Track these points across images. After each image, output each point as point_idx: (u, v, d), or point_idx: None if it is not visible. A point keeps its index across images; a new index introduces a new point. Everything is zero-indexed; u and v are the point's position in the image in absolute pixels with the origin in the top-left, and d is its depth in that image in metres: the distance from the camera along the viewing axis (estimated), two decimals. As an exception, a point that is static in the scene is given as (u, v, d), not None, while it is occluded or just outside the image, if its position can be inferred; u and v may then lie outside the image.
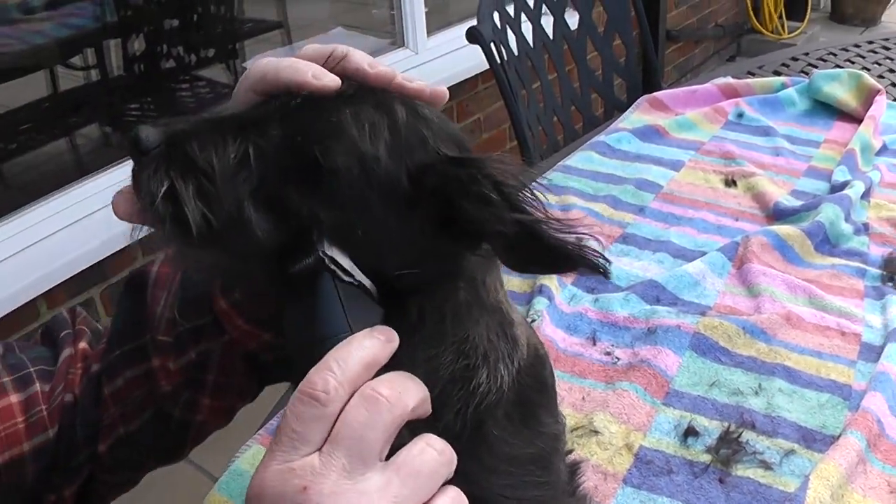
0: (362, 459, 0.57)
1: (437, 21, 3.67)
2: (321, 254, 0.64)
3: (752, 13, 5.76)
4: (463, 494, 0.62)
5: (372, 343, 0.62)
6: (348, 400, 0.59)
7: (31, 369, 0.90)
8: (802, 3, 5.95)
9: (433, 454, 0.60)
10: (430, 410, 0.64)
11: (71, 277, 2.47)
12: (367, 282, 0.67)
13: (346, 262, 0.66)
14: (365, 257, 0.67)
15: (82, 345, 0.93)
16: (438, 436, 0.63)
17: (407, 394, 0.61)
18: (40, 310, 2.44)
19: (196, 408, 0.91)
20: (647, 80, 2.96)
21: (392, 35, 3.59)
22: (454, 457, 0.62)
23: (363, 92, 0.69)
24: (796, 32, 5.84)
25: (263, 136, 0.66)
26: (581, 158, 1.98)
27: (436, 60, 3.52)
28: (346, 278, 0.66)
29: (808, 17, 5.98)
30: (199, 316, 0.88)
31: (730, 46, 5.83)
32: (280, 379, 0.99)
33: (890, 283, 1.53)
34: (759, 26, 5.78)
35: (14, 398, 0.87)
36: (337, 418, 0.58)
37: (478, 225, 0.65)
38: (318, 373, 0.59)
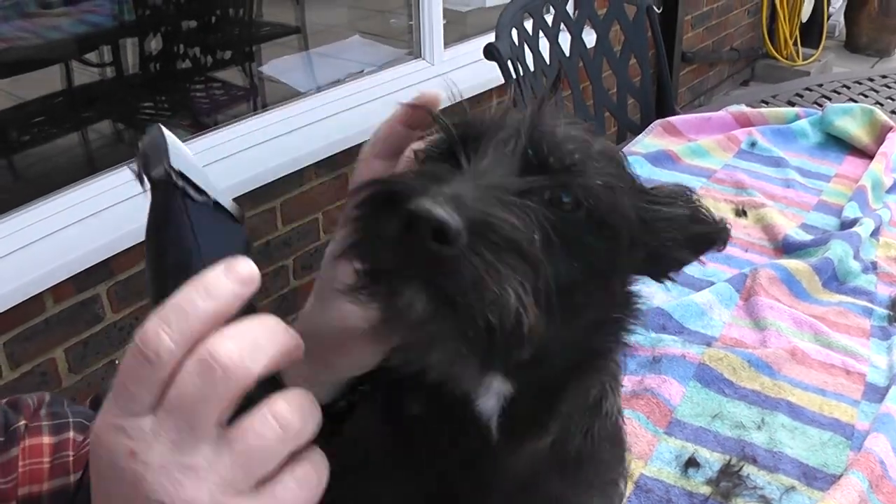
0: (193, 432, 0.51)
1: (455, 33, 3.69)
2: (166, 168, 0.55)
3: (767, 38, 5.77)
4: (315, 471, 0.55)
5: (223, 286, 0.53)
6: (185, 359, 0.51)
7: (70, 419, 0.91)
8: (818, 31, 5.96)
9: (274, 429, 0.52)
10: (300, 357, 0.56)
11: (78, 273, 2.47)
12: (228, 202, 0.60)
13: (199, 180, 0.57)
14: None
15: None
16: (564, 459, 0.63)
17: (254, 355, 0.52)
18: (46, 303, 2.44)
19: None
20: (661, 102, 2.97)
21: (409, 45, 3.59)
22: (304, 427, 0.54)
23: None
24: (811, 60, 5.85)
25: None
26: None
27: (452, 73, 3.53)
28: (199, 197, 0.57)
29: (822, 45, 5.99)
30: None
31: (744, 70, 5.84)
32: None
33: (896, 324, 1.53)
34: (774, 52, 5.79)
35: (47, 439, 0.88)
36: (171, 380, 0.51)
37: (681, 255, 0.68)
38: (153, 325, 0.51)
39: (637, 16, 2.83)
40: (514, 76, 2.30)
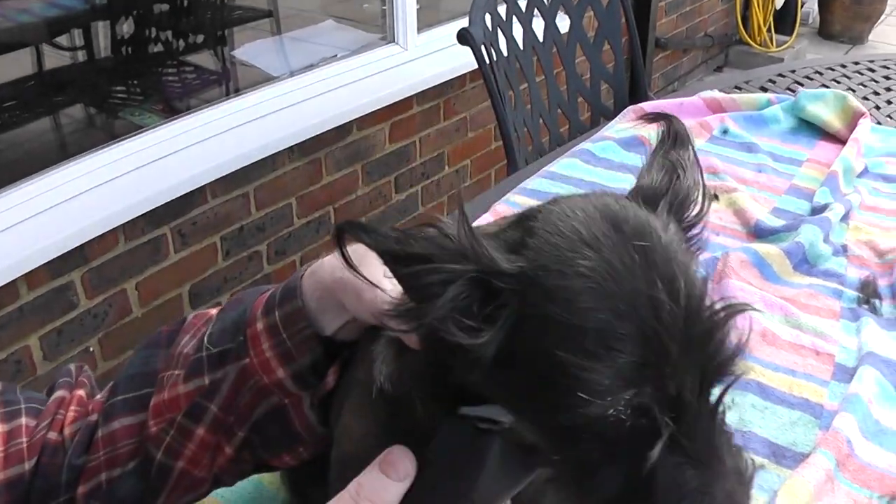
0: None
1: (428, 18, 3.68)
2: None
3: (741, 25, 5.80)
4: None
5: None
6: None
7: (22, 405, 0.90)
8: (791, 18, 6.00)
9: None
10: None
11: (52, 259, 2.46)
12: None
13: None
14: None
15: (79, 392, 0.94)
16: None
17: None
18: (21, 290, 2.43)
19: (180, 452, 0.87)
20: (634, 88, 2.99)
21: (382, 30, 3.59)
22: None
23: None
24: (784, 46, 5.89)
25: None
26: (566, 165, 2.00)
27: (425, 58, 3.53)
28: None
29: (796, 31, 6.04)
30: (229, 340, 0.86)
31: (718, 56, 5.88)
32: (269, 470, 0.98)
33: (865, 306, 1.55)
34: (748, 38, 5.83)
35: (0, 428, 0.88)
36: None
37: None
38: None
39: (611, 2, 2.85)
40: (487, 61, 2.31)
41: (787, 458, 1.20)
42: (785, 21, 5.99)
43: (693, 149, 0.74)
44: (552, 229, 0.61)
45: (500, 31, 2.49)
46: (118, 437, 0.89)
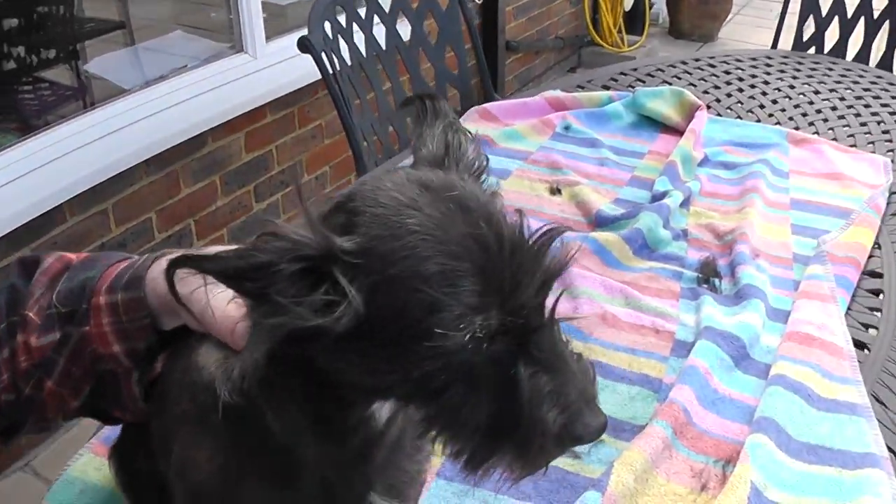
0: None
1: (276, 27, 3.66)
2: None
3: (591, 27, 5.95)
4: None
5: None
6: None
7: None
8: (641, 18, 6.18)
9: None
10: None
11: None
12: None
13: None
14: None
15: None
16: None
17: None
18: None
19: (42, 387, 0.93)
20: (484, 92, 3.04)
21: (231, 39, 3.56)
22: None
23: None
24: (635, 46, 6.05)
25: None
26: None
27: (275, 66, 3.50)
28: None
29: (646, 31, 6.21)
30: (75, 304, 0.90)
31: (571, 58, 6.00)
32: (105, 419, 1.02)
33: (705, 285, 1.63)
34: (599, 39, 5.98)
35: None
36: None
37: None
38: None
39: (450, 7, 2.88)
40: (329, 70, 2.31)
41: (626, 431, 1.26)
42: (635, 21, 6.15)
43: (453, 115, 0.83)
44: (372, 203, 0.68)
45: (341, 39, 2.49)
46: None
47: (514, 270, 0.66)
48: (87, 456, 1.21)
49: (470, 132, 0.82)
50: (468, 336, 0.64)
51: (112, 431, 1.13)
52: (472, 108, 2.37)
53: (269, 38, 3.55)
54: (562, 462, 1.18)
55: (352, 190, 0.71)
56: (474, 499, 1.15)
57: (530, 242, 0.68)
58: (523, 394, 0.68)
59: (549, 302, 0.70)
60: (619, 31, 6.03)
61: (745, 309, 1.52)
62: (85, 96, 3.48)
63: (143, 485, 1.03)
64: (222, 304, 0.71)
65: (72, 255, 0.97)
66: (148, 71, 3.52)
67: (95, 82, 3.42)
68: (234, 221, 3.45)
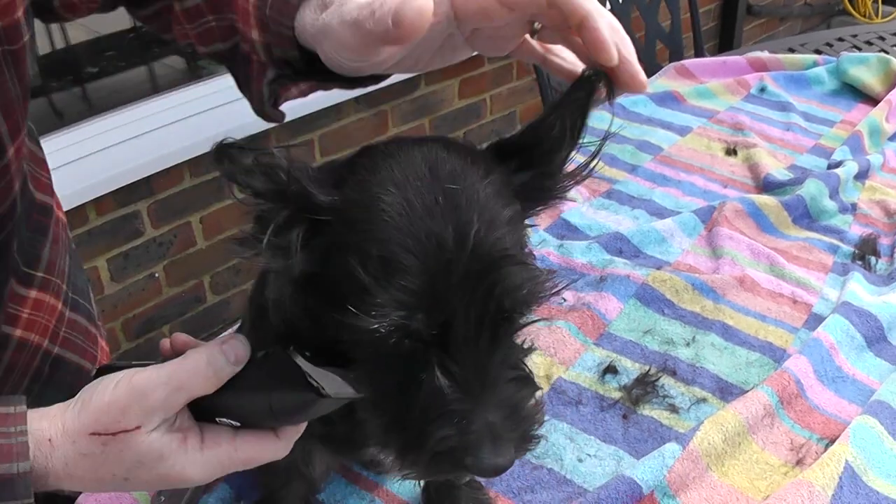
0: None
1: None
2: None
3: (846, -6, 5.64)
4: None
5: None
6: None
7: None
8: (902, -12, 5.80)
9: None
10: None
11: (119, 189, 2.61)
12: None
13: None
14: None
15: None
16: None
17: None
18: (89, 215, 2.59)
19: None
20: (694, 52, 2.97)
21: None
22: None
23: None
24: (890, 17, 5.69)
25: None
26: (593, 118, 2.03)
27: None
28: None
29: (905, 3, 5.83)
30: None
31: (819, 28, 5.71)
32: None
33: (860, 262, 1.56)
34: (851, 8, 5.65)
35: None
36: None
37: None
38: None
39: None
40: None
41: (734, 394, 1.24)
42: (895, -9, 5.79)
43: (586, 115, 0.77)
44: (371, 167, 0.68)
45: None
46: None
47: (459, 284, 0.65)
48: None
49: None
50: (380, 326, 0.64)
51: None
52: (670, 64, 2.33)
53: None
54: (657, 413, 1.20)
55: (377, 145, 0.72)
56: (557, 432, 1.17)
57: (492, 258, 0.66)
58: (420, 401, 0.67)
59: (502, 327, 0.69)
60: (875, 1, 5.66)
61: (894, 290, 1.44)
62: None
63: None
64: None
65: None
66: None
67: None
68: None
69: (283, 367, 0.69)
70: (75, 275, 1.14)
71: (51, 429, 0.68)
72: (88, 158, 2.61)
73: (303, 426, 0.74)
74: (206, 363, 0.69)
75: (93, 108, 2.83)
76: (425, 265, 0.64)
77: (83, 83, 3.08)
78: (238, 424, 0.71)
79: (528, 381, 0.72)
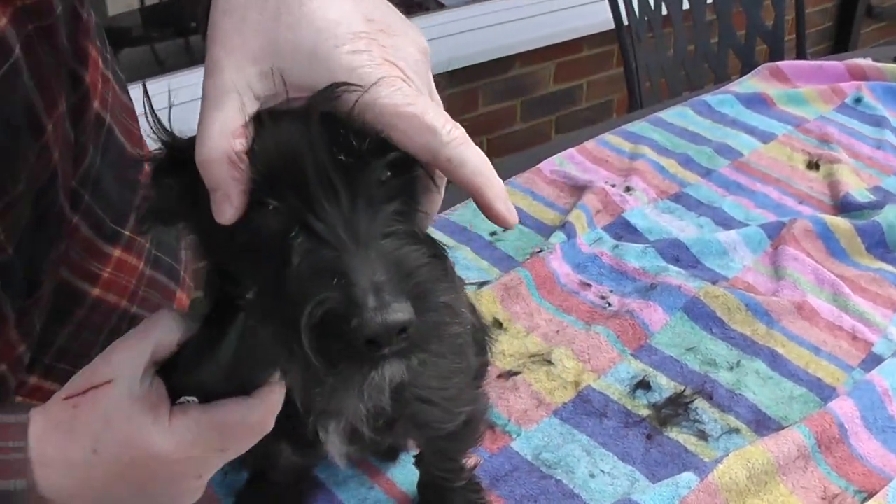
0: None
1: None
2: None
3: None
4: None
5: None
6: None
7: None
8: None
9: None
10: None
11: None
12: None
13: None
14: None
15: None
16: None
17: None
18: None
19: None
20: (796, 53, 2.84)
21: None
22: None
23: None
24: None
25: None
26: (675, 113, 1.96)
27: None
28: None
29: None
30: None
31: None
32: None
33: (937, 302, 1.46)
34: None
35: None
36: None
37: None
38: None
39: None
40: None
41: (770, 429, 1.17)
42: None
43: None
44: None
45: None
46: None
47: (306, 143, 0.60)
48: None
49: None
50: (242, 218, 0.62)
51: None
52: (764, 65, 2.23)
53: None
54: (683, 438, 1.14)
55: None
56: (574, 443, 1.13)
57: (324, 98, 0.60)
58: (294, 270, 0.60)
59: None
60: None
61: (968, 338, 1.35)
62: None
63: None
64: None
65: None
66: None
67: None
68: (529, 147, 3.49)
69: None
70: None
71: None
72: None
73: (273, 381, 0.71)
74: (167, 311, 0.70)
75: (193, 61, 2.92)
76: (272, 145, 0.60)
77: (187, 35, 3.16)
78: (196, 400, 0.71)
79: (416, 238, 0.63)
